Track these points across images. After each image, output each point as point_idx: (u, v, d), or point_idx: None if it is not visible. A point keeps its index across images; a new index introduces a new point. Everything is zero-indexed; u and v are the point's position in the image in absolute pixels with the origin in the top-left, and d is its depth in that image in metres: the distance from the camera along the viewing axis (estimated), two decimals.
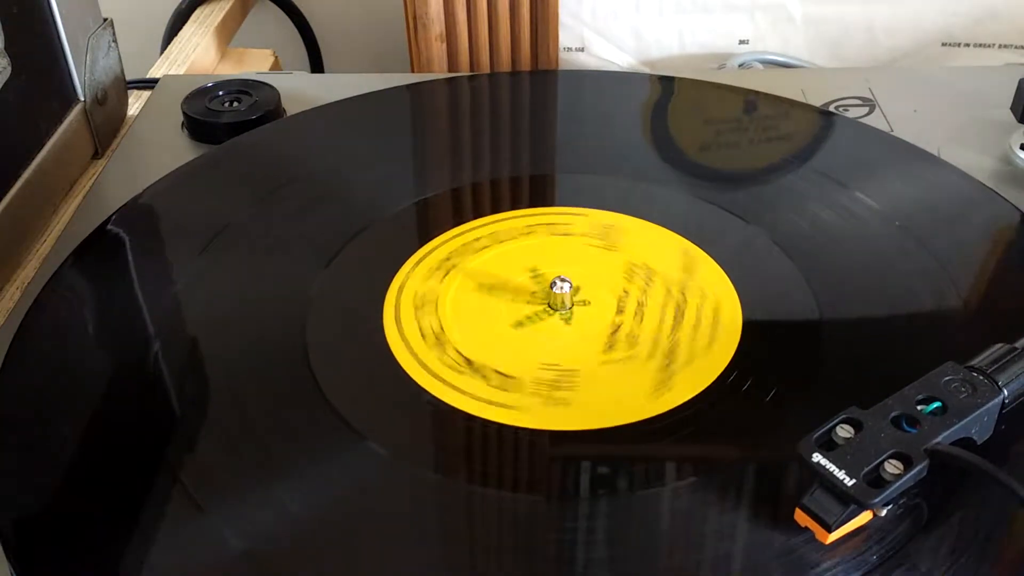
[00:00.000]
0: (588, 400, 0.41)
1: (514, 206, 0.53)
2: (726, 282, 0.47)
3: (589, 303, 0.46)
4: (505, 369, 0.43)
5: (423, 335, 0.44)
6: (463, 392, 0.42)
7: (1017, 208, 0.51)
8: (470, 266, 0.49)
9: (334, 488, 0.38)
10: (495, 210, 0.53)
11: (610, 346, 0.44)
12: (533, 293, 0.47)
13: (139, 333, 0.45)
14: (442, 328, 0.45)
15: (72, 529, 0.36)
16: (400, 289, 0.47)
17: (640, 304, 0.46)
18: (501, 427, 0.40)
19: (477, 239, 0.50)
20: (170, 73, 0.73)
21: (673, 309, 0.46)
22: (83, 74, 0.59)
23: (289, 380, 0.42)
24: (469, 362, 0.43)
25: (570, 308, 0.46)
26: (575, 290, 0.46)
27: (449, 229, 0.51)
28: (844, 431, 0.35)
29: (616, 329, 0.45)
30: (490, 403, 0.41)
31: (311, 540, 0.36)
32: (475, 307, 0.46)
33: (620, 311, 0.46)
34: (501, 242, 0.50)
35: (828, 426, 0.35)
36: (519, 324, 0.45)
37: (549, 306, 0.46)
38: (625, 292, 0.47)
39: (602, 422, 0.40)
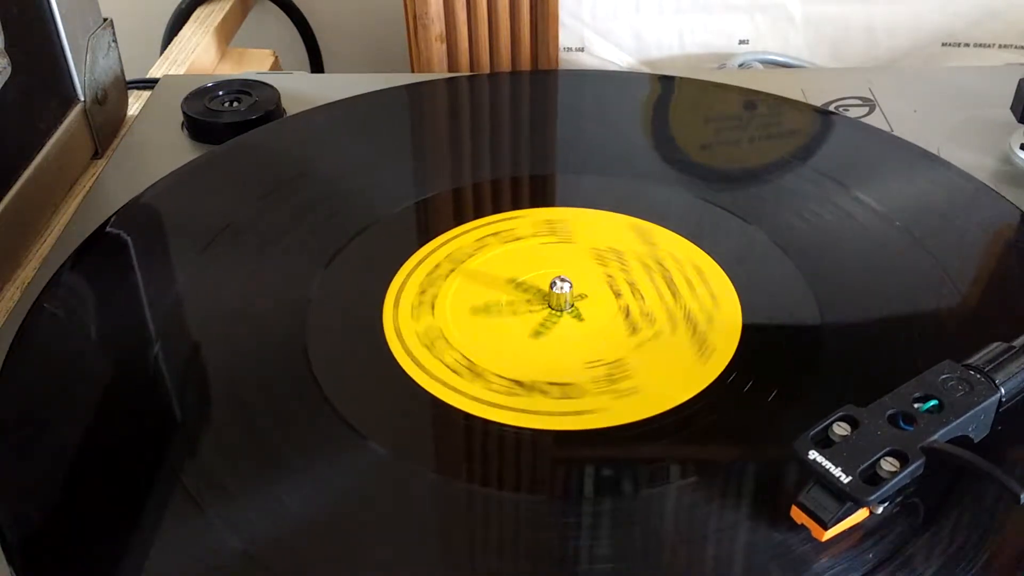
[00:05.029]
0: (650, 383, 0.42)
1: (514, 206, 0.53)
2: (726, 281, 0.47)
3: (586, 296, 0.47)
4: (558, 378, 0.43)
5: (423, 335, 0.45)
6: (465, 395, 0.42)
7: (1017, 207, 0.51)
8: (472, 266, 0.49)
9: (334, 488, 0.38)
10: (495, 210, 0.53)
11: (633, 329, 0.44)
12: (538, 293, 0.47)
13: (139, 333, 0.45)
14: (442, 329, 0.45)
15: (72, 529, 0.36)
16: (400, 289, 0.47)
17: (631, 284, 0.47)
18: (502, 427, 0.40)
19: (477, 239, 0.50)
20: (170, 73, 0.73)
21: (662, 280, 0.47)
22: (83, 74, 0.59)
23: (289, 380, 0.42)
24: (471, 365, 0.43)
25: (572, 307, 0.46)
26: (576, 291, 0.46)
27: (449, 229, 0.51)
28: (840, 429, 0.35)
29: (627, 312, 0.45)
30: (552, 414, 0.41)
31: (311, 540, 0.36)
32: (475, 306, 0.46)
33: (618, 295, 0.46)
34: (502, 242, 0.50)
35: (824, 424, 0.35)
36: (537, 332, 0.45)
37: (550, 307, 0.46)
38: (609, 276, 0.47)
39: (674, 400, 0.41)
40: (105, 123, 0.62)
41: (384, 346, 0.44)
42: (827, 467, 0.34)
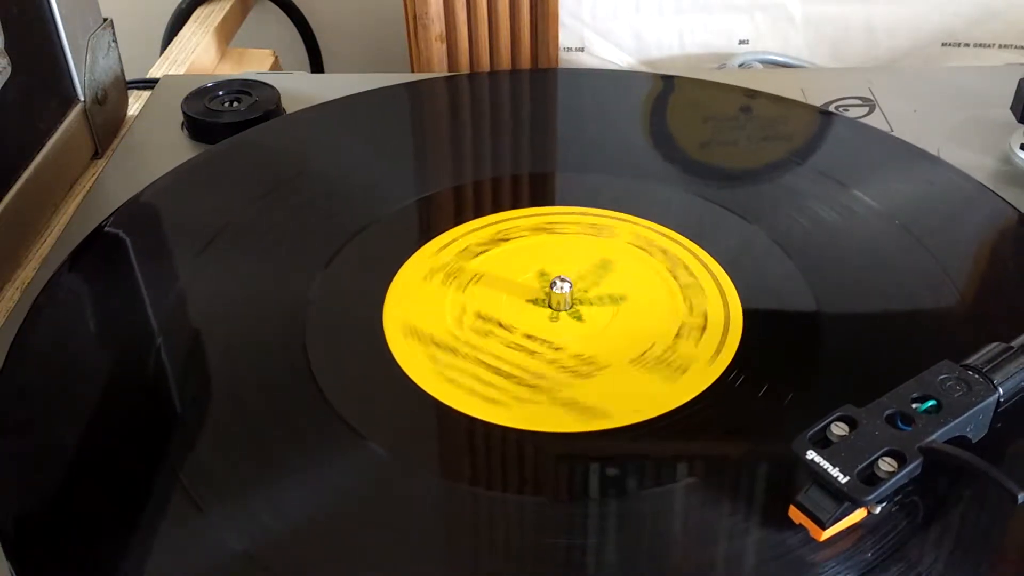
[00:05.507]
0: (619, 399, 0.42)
1: (514, 205, 0.53)
2: (726, 281, 0.47)
3: (590, 302, 0.46)
4: (532, 368, 0.43)
5: (423, 335, 0.45)
6: (484, 397, 0.42)
7: (1015, 208, 0.51)
8: (471, 266, 0.49)
9: (334, 488, 0.38)
10: (495, 209, 0.53)
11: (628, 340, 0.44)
12: (534, 296, 0.47)
13: (139, 333, 0.45)
14: (453, 342, 0.45)
15: (72, 529, 0.36)
16: (400, 289, 0.47)
17: (638, 301, 0.46)
18: (502, 428, 0.40)
19: (478, 238, 0.50)
20: (170, 73, 0.73)
21: (671, 306, 0.46)
22: (83, 74, 0.59)
23: (289, 380, 0.42)
24: (500, 371, 0.43)
25: (571, 308, 0.46)
26: (575, 291, 0.46)
27: (449, 228, 0.51)
28: (839, 429, 0.35)
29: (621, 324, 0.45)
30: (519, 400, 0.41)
31: (311, 540, 0.36)
32: (476, 306, 0.46)
33: (622, 301, 0.46)
34: (502, 241, 0.50)
35: (823, 424, 0.35)
36: (527, 326, 0.45)
37: (550, 307, 0.46)
38: (621, 290, 0.47)
39: (636, 417, 0.40)
40: (105, 123, 0.62)
41: (384, 346, 0.44)
42: (825, 467, 0.34)
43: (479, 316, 0.46)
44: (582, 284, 0.47)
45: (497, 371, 0.43)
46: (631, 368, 0.43)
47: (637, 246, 0.50)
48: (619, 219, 0.51)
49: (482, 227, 0.51)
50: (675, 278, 0.47)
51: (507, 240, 0.50)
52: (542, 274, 0.48)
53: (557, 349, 0.44)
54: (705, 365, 0.43)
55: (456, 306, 0.46)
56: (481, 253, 0.50)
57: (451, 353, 0.44)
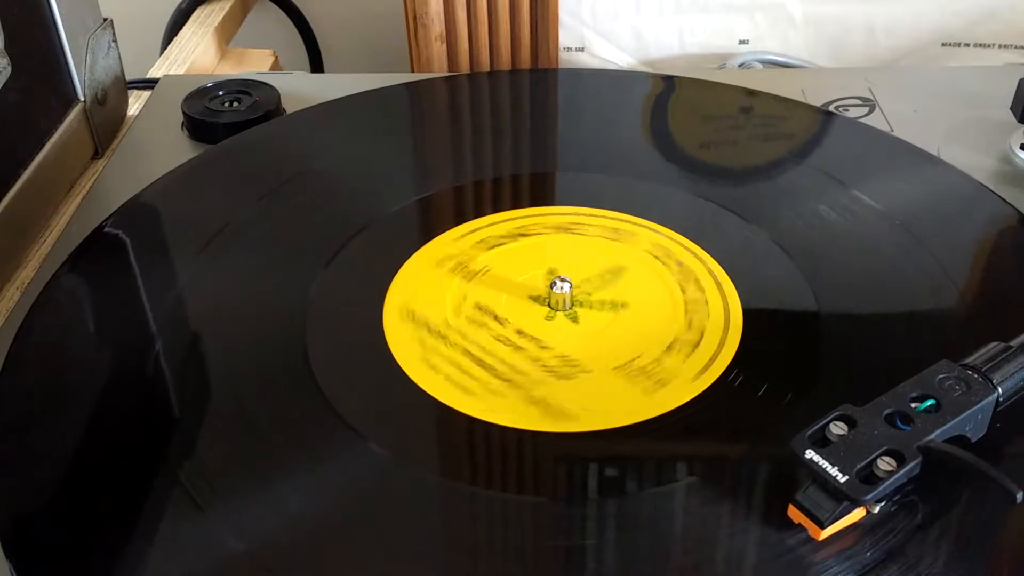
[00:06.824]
0: (590, 404, 0.41)
1: (514, 205, 0.53)
2: (726, 280, 0.47)
3: (586, 302, 0.46)
4: (519, 368, 0.43)
5: (423, 336, 0.45)
6: (473, 395, 0.42)
7: (1015, 208, 0.51)
8: (471, 266, 0.49)
9: (334, 488, 0.38)
10: (495, 209, 0.53)
11: (618, 348, 0.44)
12: (535, 294, 0.47)
13: (139, 333, 0.45)
14: (443, 329, 0.45)
15: (72, 529, 0.36)
16: (400, 289, 0.47)
17: (639, 303, 0.46)
18: (502, 428, 0.40)
19: (478, 239, 0.50)
20: (170, 73, 0.73)
21: (672, 306, 0.46)
22: (83, 74, 0.59)
23: (289, 380, 0.42)
24: (481, 363, 0.43)
25: (570, 308, 0.46)
26: (574, 288, 0.46)
27: (449, 228, 0.51)
28: (838, 428, 0.35)
29: (620, 328, 0.45)
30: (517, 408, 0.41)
31: (311, 540, 0.36)
32: (476, 307, 0.46)
33: (621, 308, 0.46)
34: (501, 241, 0.50)
35: (822, 423, 0.35)
36: (520, 329, 0.45)
37: (550, 306, 0.46)
38: (622, 292, 0.47)
39: (604, 423, 0.40)
40: (105, 123, 0.62)
41: (384, 346, 0.44)
42: (824, 466, 0.34)
43: (478, 307, 0.46)
44: (586, 287, 0.47)
45: (480, 362, 0.43)
46: (612, 375, 0.43)
47: (649, 252, 0.49)
48: (622, 221, 0.51)
49: (482, 227, 0.51)
50: (682, 289, 0.47)
51: (518, 237, 0.51)
52: (550, 273, 0.48)
53: (544, 348, 0.44)
54: (687, 381, 0.42)
55: (458, 295, 0.47)
56: (494, 247, 0.50)
57: (439, 338, 0.44)
